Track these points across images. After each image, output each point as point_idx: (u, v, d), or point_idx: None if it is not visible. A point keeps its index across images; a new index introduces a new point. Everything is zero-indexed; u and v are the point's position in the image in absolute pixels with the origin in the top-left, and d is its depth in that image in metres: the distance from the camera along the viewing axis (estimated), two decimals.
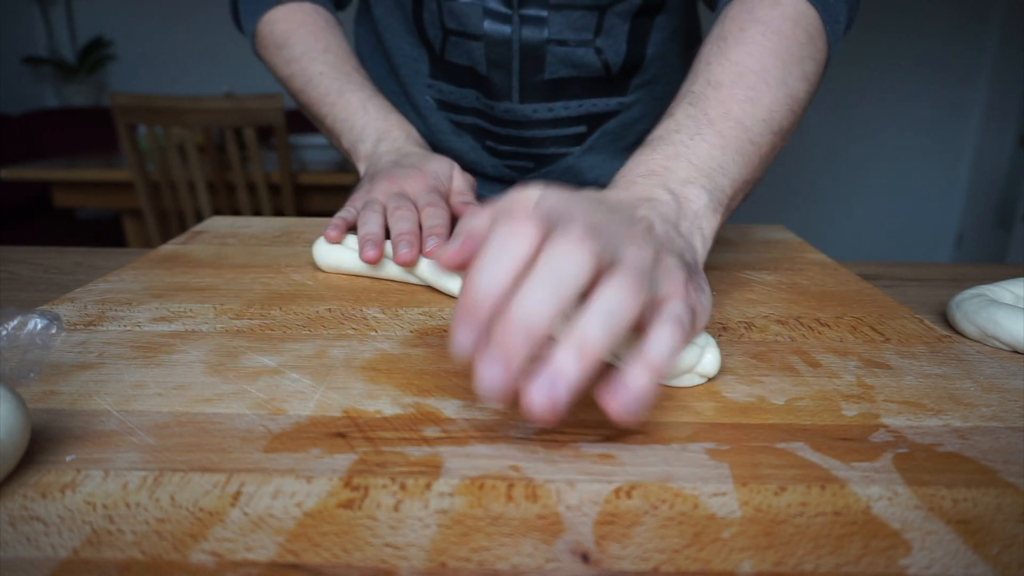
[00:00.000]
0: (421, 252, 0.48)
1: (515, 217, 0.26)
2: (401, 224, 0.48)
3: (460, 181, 0.57)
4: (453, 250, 0.28)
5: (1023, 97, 2.67)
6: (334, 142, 0.67)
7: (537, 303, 0.24)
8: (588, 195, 0.33)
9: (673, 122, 0.43)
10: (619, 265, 0.26)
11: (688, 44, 0.71)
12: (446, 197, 0.55)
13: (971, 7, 2.77)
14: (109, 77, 3.20)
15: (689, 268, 0.33)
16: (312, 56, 0.65)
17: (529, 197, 0.28)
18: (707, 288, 0.35)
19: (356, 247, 0.50)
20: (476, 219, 0.28)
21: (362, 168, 0.62)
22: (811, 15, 0.46)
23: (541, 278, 0.24)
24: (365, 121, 0.62)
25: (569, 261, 0.24)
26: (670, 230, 0.35)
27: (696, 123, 0.42)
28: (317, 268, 0.52)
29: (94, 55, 3.08)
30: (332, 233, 0.51)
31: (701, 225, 0.38)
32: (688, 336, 0.28)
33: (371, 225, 0.49)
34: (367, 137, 0.62)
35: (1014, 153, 2.69)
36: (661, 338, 0.26)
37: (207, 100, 1.62)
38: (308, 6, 0.68)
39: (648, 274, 0.27)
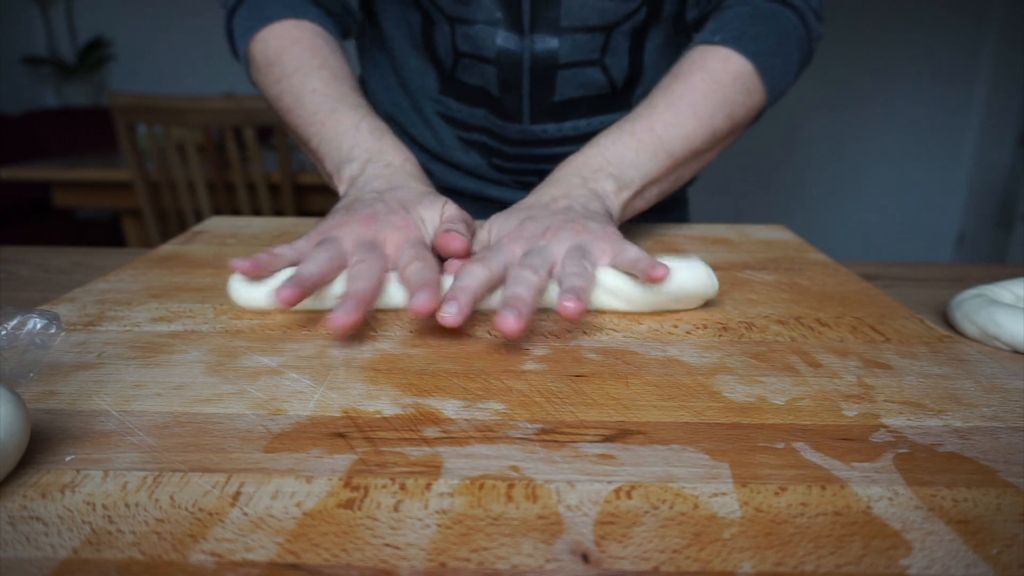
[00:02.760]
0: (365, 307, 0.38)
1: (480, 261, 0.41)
2: (357, 282, 0.39)
3: (451, 212, 0.48)
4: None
5: (1023, 97, 2.67)
6: (319, 167, 0.59)
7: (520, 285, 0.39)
8: (522, 210, 0.48)
9: (605, 132, 0.55)
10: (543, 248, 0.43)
11: (679, 49, 0.71)
12: (432, 246, 0.46)
13: (971, 7, 2.77)
14: (109, 77, 3.20)
15: (603, 224, 0.46)
16: (306, 72, 0.58)
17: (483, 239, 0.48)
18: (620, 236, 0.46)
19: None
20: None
21: (342, 190, 0.53)
22: (752, 75, 0.57)
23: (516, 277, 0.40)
24: (356, 141, 0.54)
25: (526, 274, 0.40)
26: (584, 207, 0.48)
27: (620, 132, 0.54)
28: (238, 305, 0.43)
29: (94, 55, 3.08)
30: (242, 264, 0.40)
31: (608, 203, 0.51)
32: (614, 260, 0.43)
33: (313, 265, 0.40)
34: (356, 157, 0.53)
35: (1014, 153, 2.69)
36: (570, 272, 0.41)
37: (207, 100, 1.62)
38: (306, 24, 0.62)
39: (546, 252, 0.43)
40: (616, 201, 0.51)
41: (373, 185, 0.50)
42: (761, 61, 0.57)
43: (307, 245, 0.44)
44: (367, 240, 0.44)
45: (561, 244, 0.43)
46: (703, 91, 0.55)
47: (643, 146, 0.53)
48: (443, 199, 0.49)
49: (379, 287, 0.41)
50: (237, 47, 0.64)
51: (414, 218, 0.46)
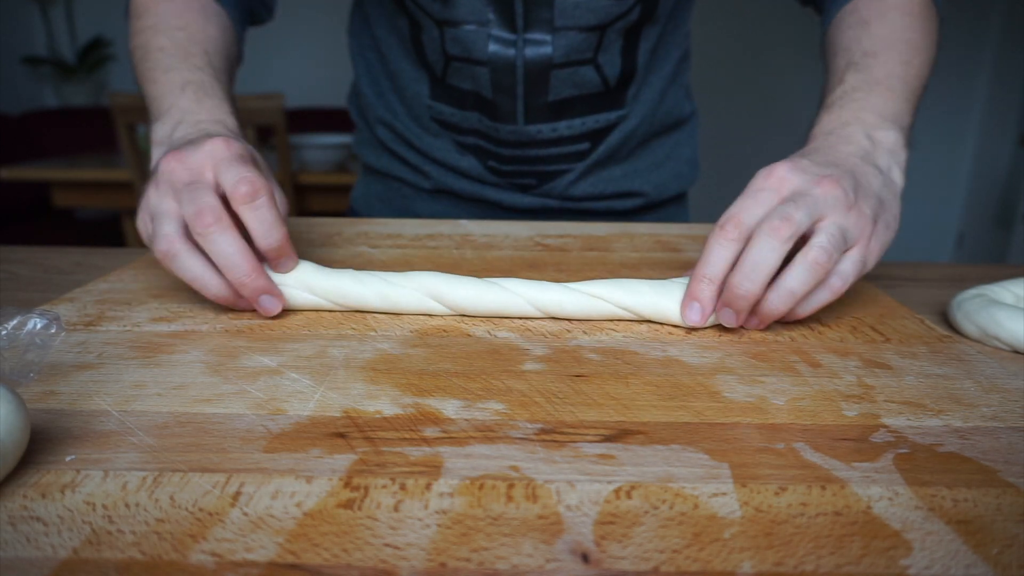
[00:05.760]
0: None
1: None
2: (217, 244, 0.38)
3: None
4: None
5: (1023, 97, 2.67)
6: None
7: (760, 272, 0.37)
8: (806, 162, 0.43)
9: (848, 86, 0.51)
10: (817, 234, 0.39)
11: (673, 48, 0.71)
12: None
13: (971, 7, 2.77)
14: (109, 77, 3.20)
15: (882, 205, 0.44)
16: (159, 30, 0.56)
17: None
18: (893, 223, 0.45)
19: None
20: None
21: (155, 155, 0.48)
22: (930, 1, 0.57)
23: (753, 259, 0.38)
24: (174, 101, 0.50)
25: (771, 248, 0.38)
26: (869, 170, 0.44)
27: (868, 83, 0.51)
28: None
29: (94, 55, 3.08)
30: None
31: (898, 160, 0.47)
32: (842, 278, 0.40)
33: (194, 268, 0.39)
34: (169, 118, 0.49)
35: (1014, 153, 2.69)
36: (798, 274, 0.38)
37: None
38: None
39: (839, 240, 0.39)
40: (903, 160, 0.48)
41: (182, 139, 0.46)
42: None
43: (147, 228, 0.42)
44: (188, 181, 0.40)
45: (827, 208, 0.40)
46: (907, 25, 0.54)
47: (897, 93, 0.51)
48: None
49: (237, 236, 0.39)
50: None
51: (229, 139, 0.42)
